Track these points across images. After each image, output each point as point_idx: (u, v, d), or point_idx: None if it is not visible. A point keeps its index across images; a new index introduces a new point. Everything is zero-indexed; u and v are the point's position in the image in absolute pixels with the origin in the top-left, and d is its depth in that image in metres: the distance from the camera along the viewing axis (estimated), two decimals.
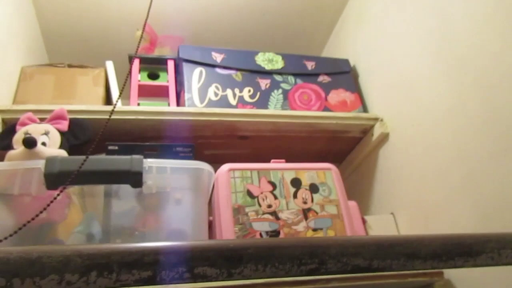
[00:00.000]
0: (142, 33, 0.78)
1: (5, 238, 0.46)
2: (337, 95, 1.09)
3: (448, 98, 0.80)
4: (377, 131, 1.02)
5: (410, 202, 0.90)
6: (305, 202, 0.77)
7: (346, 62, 1.18)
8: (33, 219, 0.50)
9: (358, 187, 1.12)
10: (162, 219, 0.74)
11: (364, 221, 0.90)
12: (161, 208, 0.74)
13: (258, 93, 1.03)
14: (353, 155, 1.14)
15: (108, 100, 1.04)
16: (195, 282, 0.27)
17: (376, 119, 1.03)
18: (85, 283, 0.25)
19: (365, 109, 1.10)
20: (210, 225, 0.80)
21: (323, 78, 1.12)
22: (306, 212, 0.76)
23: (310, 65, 1.13)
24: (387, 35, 1.03)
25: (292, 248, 0.30)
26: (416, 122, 0.90)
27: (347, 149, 1.14)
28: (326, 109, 1.06)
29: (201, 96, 0.99)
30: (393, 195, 0.97)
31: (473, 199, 0.72)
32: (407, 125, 0.94)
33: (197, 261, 0.28)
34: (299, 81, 1.09)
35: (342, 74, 1.15)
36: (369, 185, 1.07)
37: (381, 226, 0.90)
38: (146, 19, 0.74)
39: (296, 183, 0.79)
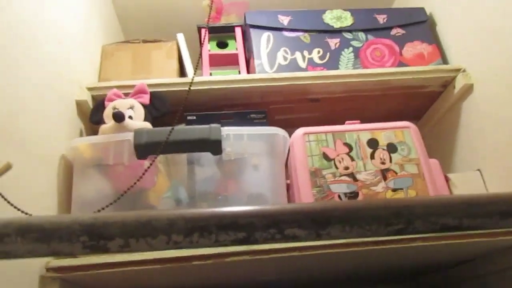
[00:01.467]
0: (212, 2, 0.79)
1: (110, 204, 0.51)
2: (412, 48, 1.03)
3: None
4: (459, 83, 0.95)
5: (498, 157, 0.85)
6: (383, 163, 0.75)
7: (421, 11, 1.10)
8: (132, 186, 0.55)
9: (439, 144, 1.07)
10: (242, 184, 0.78)
11: (447, 179, 0.86)
12: (240, 174, 0.78)
13: (328, 54, 1.01)
14: (433, 111, 1.08)
15: (181, 71, 1.08)
16: (286, 242, 0.29)
17: (458, 70, 0.96)
18: (189, 243, 0.28)
19: (444, 61, 1.03)
20: (288, 188, 0.82)
21: (396, 31, 1.06)
22: (384, 173, 0.75)
23: (381, 19, 1.07)
24: None
25: (378, 209, 0.31)
26: (503, 72, 0.83)
27: (426, 105, 1.09)
28: (401, 64, 1.01)
29: (271, 62, 0.99)
30: (479, 151, 0.91)
31: None
32: (493, 75, 0.86)
33: (287, 223, 0.29)
34: (370, 37, 1.04)
35: (418, 25, 1.08)
36: (452, 142, 1.01)
37: (466, 184, 0.86)
38: None
39: (372, 143, 0.77)
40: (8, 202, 0.47)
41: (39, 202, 0.67)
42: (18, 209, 0.48)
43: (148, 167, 0.59)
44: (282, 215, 0.29)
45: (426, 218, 0.30)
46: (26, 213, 0.49)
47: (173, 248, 0.28)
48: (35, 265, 0.63)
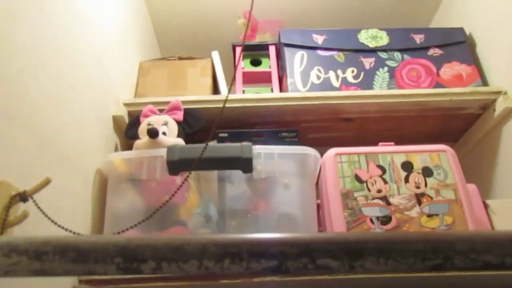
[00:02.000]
0: (248, 22, 0.81)
1: (143, 221, 0.52)
2: (450, 69, 1.01)
3: None
4: (500, 105, 0.92)
5: None
6: (417, 187, 0.73)
7: (460, 31, 1.07)
8: (164, 204, 0.56)
9: (477, 169, 1.03)
10: (272, 203, 0.77)
11: (486, 206, 0.83)
12: (270, 193, 0.78)
13: (362, 73, 1.00)
14: (470, 134, 1.05)
15: (215, 89, 1.10)
16: (318, 272, 0.28)
17: (498, 93, 0.93)
18: (220, 269, 0.28)
19: (484, 83, 1.00)
20: (318, 208, 0.81)
21: (433, 52, 1.04)
22: (419, 197, 0.72)
23: (418, 38, 1.05)
24: None
25: (415, 242, 0.30)
26: None
27: (463, 127, 1.05)
28: (438, 85, 0.98)
29: (304, 80, 0.99)
30: None
31: None
32: None
33: (320, 252, 0.29)
34: (406, 56, 1.03)
35: (456, 45, 1.05)
36: (490, 166, 0.97)
37: (506, 211, 0.82)
38: (251, 8, 0.75)
39: (407, 166, 0.75)
40: (47, 216, 0.49)
41: (75, 216, 0.69)
42: (57, 225, 0.50)
43: (181, 185, 0.60)
44: (315, 244, 0.29)
45: (467, 254, 0.29)
46: (66, 229, 0.50)
47: (204, 273, 0.28)
48: (68, 277, 0.64)
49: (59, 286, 0.62)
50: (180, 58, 1.14)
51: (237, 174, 0.77)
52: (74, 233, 0.51)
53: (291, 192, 0.78)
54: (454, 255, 0.29)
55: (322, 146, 0.85)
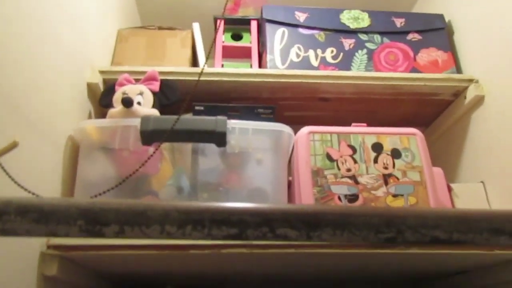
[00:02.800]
0: None
1: (112, 188, 0.52)
2: (427, 55, 1.02)
3: None
4: (470, 93, 0.95)
5: (503, 171, 0.84)
6: (386, 168, 0.76)
7: (440, 17, 1.09)
8: (134, 172, 0.56)
9: (445, 153, 1.07)
10: (244, 177, 0.78)
11: (450, 189, 0.86)
12: (243, 167, 0.79)
13: (341, 54, 1.00)
14: (441, 119, 1.08)
15: (194, 61, 1.09)
16: (276, 241, 0.29)
17: (470, 81, 0.95)
18: (182, 234, 0.29)
19: (458, 70, 1.02)
20: (289, 185, 0.82)
21: (412, 36, 1.05)
22: (386, 178, 0.75)
23: (399, 22, 1.06)
24: None
25: (369, 216, 0.31)
26: None
27: (435, 113, 1.08)
28: (414, 70, 1.00)
29: (283, 58, 0.99)
30: (485, 163, 0.91)
31: None
32: (506, 88, 0.85)
33: (279, 222, 0.30)
34: (386, 40, 1.04)
35: (435, 31, 1.07)
36: (458, 152, 1.01)
37: (469, 195, 0.86)
38: None
39: (377, 147, 0.77)
40: (12, 179, 0.48)
41: (44, 181, 0.68)
42: (21, 187, 0.49)
43: (152, 154, 0.60)
44: (275, 214, 0.30)
45: (417, 229, 0.31)
46: (30, 191, 0.50)
47: (166, 238, 0.29)
48: (36, 242, 0.64)
49: (27, 251, 0.62)
50: (160, 28, 1.11)
51: (211, 147, 0.77)
52: (37, 196, 0.51)
53: (264, 167, 0.79)
54: (406, 229, 0.31)
55: (297, 124, 0.86)
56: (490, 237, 0.31)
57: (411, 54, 1.02)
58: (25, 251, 0.62)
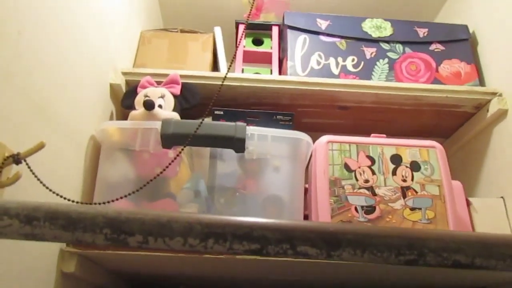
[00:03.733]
0: (254, 0, 0.80)
1: (133, 192, 0.53)
2: (450, 66, 1.01)
3: None
4: (493, 107, 0.93)
5: None
6: (404, 180, 0.75)
7: (464, 28, 1.07)
8: (155, 177, 0.57)
9: (464, 167, 1.05)
10: (261, 184, 0.79)
11: (468, 203, 0.85)
12: (260, 174, 0.79)
13: (362, 63, 1.00)
14: (462, 132, 1.06)
15: (214, 65, 1.10)
16: (297, 258, 0.30)
17: (494, 94, 0.94)
18: (204, 248, 0.29)
19: (481, 83, 1.01)
20: (305, 192, 0.82)
21: (435, 47, 1.04)
22: (404, 190, 0.74)
23: (422, 32, 1.05)
24: None
25: (391, 237, 0.31)
26: None
27: (455, 125, 1.06)
28: (436, 81, 0.99)
29: (303, 65, 0.99)
30: (505, 178, 0.89)
31: None
32: None
33: (300, 240, 0.30)
34: (408, 50, 1.03)
35: (459, 42, 1.05)
36: (478, 165, 0.99)
37: (488, 211, 0.84)
38: None
39: (396, 159, 0.77)
40: (39, 180, 0.50)
41: (66, 181, 0.70)
42: (47, 188, 0.51)
43: (174, 159, 0.61)
44: (296, 231, 0.30)
45: (439, 253, 0.31)
46: (54, 192, 0.51)
47: (188, 252, 0.29)
48: None
49: (47, 248, 0.64)
50: (182, 31, 1.13)
51: (229, 152, 0.78)
52: (65, 198, 0.52)
53: (281, 174, 0.79)
54: (427, 252, 0.31)
55: (315, 131, 0.86)
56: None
57: (434, 65, 1.01)
58: (46, 248, 0.64)
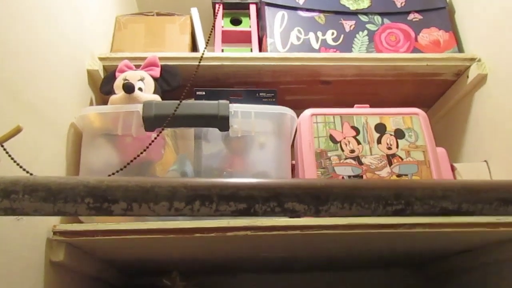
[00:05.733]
0: None
1: (116, 172, 0.52)
2: (428, 35, 1.01)
3: None
4: (473, 72, 0.94)
5: (507, 150, 0.84)
6: (389, 148, 0.75)
7: None
8: (138, 156, 0.56)
9: (448, 134, 1.06)
10: (248, 161, 0.78)
11: (453, 169, 0.86)
12: (246, 151, 0.78)
13: (342, 36, 0.99)
14: (444, 99, 1.07)
15: (193, 46, 1.08)
16: (285, 215, 0.29)
17: (473, 59, 0.94)
18: (190, 211, 0.29)
19: (460, 49, 1.01)
20: (293, 168, 0.82)
21: (413, 16, 1.04)
22: (390, 158, 0.75)
23: (399, 3, 1.05)
24: None
25: (378, 189, 0.31)
26: None
27: (437, 93, 1.07)
28: (415, 50, 0.99)
29: (283, 41, 0.98)
30: (488, 142, 0.91)
31: None
32: (509, 66, 0.85)
33: (287, 197, 0.30)
34: (386, 20, 1.02)
35: (436, 11, 1.05)
36: (461, 131, 1.01)
37: (472, 174, 0.86)
38: None
39: (380, 128, 0.77)
40: (17, 163, 0.48)
41: (47, 168, 0.68)
42: (26, 171, 0.49)
43: (155, 139, 0.60)
44: (283, 188, 0.30)
45: (426, 201, 0.31)
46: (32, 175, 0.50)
47: (174, 215, 0.29)
48: (42, 228, 0.65)
49: (33, 238, 0.63)
50: (158, 14, 1.10)
51: (214, 132, 0.77)
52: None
53: (267, 151, 0.79)
54: (414, 201, 0.31)
55: (300, 108, 0.85)
56: (499, 207, 0.31)
57: (412, 34, 1.01)
58: (32, 237, 0.62)
